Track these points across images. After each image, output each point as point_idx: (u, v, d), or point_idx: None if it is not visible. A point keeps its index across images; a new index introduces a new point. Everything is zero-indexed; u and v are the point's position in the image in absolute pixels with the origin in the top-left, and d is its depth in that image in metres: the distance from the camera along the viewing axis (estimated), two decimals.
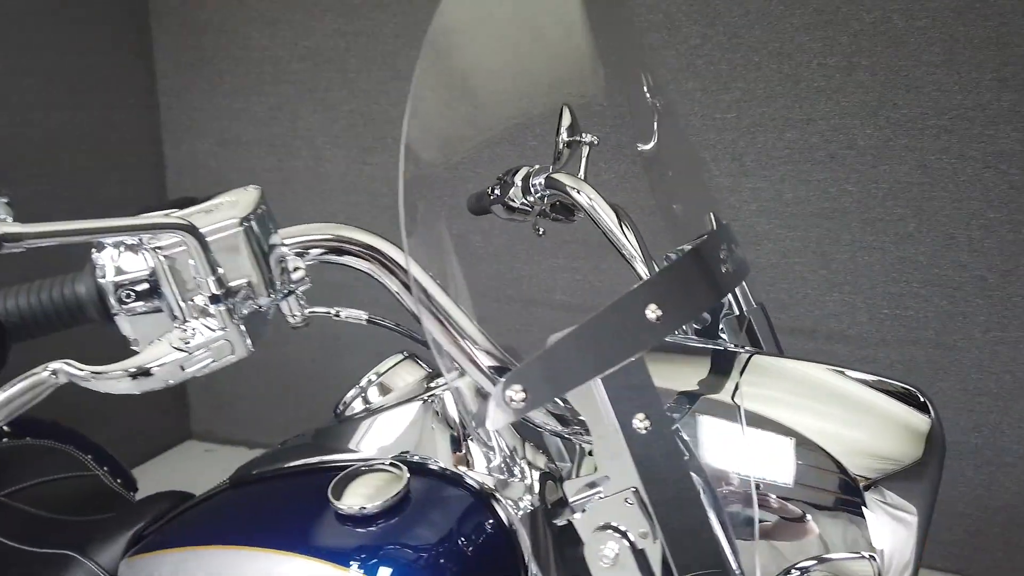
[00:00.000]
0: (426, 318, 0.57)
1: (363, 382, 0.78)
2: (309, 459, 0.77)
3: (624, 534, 0.52)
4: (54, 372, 0.56)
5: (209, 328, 0.58)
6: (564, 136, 0.95)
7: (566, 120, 0.95)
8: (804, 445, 0.56)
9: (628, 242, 0.83)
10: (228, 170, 2.39)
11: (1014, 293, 1.72)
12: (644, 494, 0.52)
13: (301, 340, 2.36)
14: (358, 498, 0.67)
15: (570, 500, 0.55)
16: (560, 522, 0.63)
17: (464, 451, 0.73)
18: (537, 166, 0.92)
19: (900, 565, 0.54)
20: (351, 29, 2.16)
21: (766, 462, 0.56)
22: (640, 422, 0.52)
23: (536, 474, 0.71)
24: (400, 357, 0.80)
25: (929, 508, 0.56)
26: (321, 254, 0.65)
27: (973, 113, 1.69)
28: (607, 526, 0.53)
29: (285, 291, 0.63)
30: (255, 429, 2.56)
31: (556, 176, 0.88)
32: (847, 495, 0.55)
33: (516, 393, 0.50)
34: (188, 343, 0.58)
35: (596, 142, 0.97)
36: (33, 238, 0.51)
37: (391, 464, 0.70)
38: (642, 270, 0.78)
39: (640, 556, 0.52)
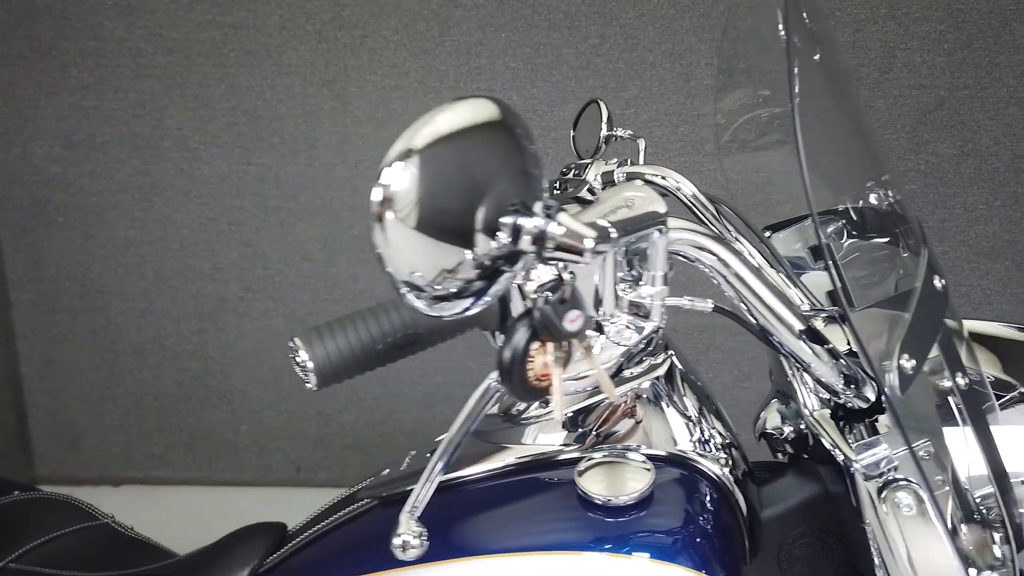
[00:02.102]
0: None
1: None
2: (499, 460, 0.75)
3: (915, 486, 0.59)
4: (498, 380, 0.59)
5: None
6: (604, 130, 1.00)
7: (604, 114, 1.00)
8: None
9: (727, 228, 0.89)
10: (77, 175, 2.13)
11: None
12: (940, 447, 0.58)
13: (163, 364, 2.19)
14: (612, 488, 0.68)
15: (856, 462, 0.61)
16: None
17: (690, 436, 0.75)
18: (616, 160, 0.95)
19: None
20: (228, 21, 2.01)
21: None
22: (945, 381, 0.59)
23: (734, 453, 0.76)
24: None
25: None
26: None
27: None
28: (894, 481, 0.59)
29: None
30: (102, 466, 2.32)
31: (645, 168, 0.92)
32: None
33: (906, 361, 0.55)
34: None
35: (631, 136, 1.02)
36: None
37: (626, 454, 0.71)
38: None
39: (932, 505, 0.59)
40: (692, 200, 0.89)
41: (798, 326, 0.67)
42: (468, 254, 0.52)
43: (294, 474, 2.32)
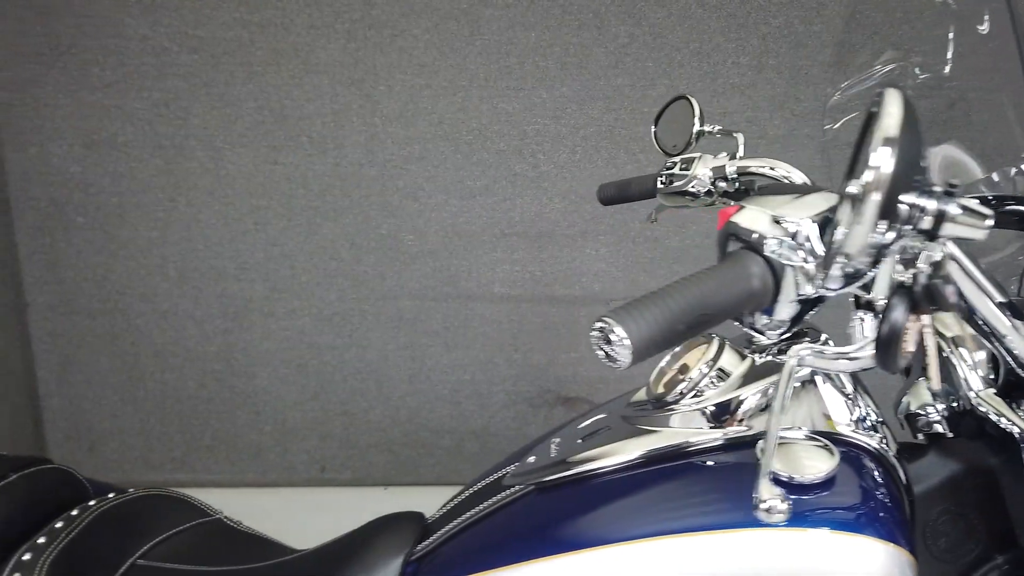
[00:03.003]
0: None
1: (694, 374, 0.79)
2: (653, 444, 0.76)
3: None
4: (799, 359, 0.62)
5: None
6: (697, 126, 1.02)
7: (696, 111, 1.03)
8: None
9: None
10: (98, 175, 2.09)
11: None
12: None
13: (184, 366, 2.17)
14: (791, 466, 0.69)
15: None
16: None
17: (850, 414, 0.77)
18: (724, 154, 0.98)
19: None
20: (256, 19, 1.99)
21: None
22: None
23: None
24: (718, 342, 0.82)
25: None
26: None
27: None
28: None
29: None
30: (121, 470, 2.29)
31: (755, 161, 0.94)
32: None
33: None
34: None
35: (721, 132, 1.05)
36: None
37: (811, 435, 0.73)
38: None
39: None
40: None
41: (998, 297, 0.71)
42: (891, 233, 0.62)
43: (318, 474, 2.31)
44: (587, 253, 2.13)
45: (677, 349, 0.85)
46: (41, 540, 0.90)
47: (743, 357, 0.81)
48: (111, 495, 0.99)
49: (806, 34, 1.97)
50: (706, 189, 0.97)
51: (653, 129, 1.12)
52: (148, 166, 2.09)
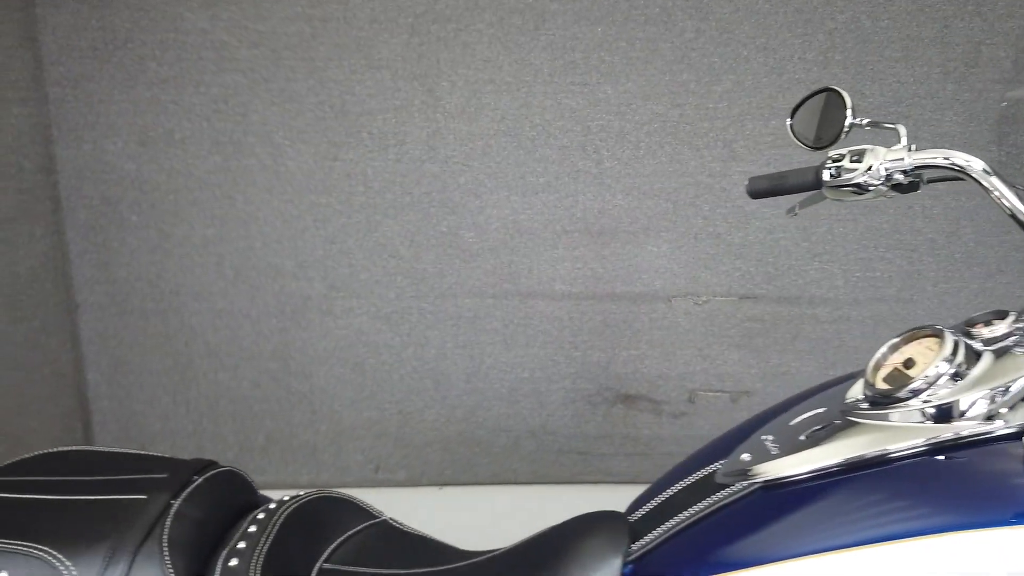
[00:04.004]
0: None
1: (930, 371, 0.77)
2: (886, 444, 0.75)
3: None
4: None
5: None
6: (849, 118, 1.01)
7: (848, 103, 1.02)
8: None
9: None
10: (154, 172, 2.06)
11: (955, 251, 2.08)
12: None
13: (239, 365, 2.14)
14: None
15: None
16: None
17: None
18: (900, 146, 0.96)
19: None
20: (318, 14, 1.97)
21: None
22: None
23: None
24: (951, 338, 0.80)
25: None
26: None
27: (924, 101, 2.00)
28: None
29: None
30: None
31: (931, 152, 0.93)
32: None
33: None
34: None
35: (870, 124, 1.04)
36: None
37: None
38: None
39: None
40: (981, 176, 0.90)
41: None
42: None
43: (372, 474, 2.29)
44: (649, 249, 2.11)
45: (895, 340, 0.83)
46: (241, 545, 0.89)
47: (977, 355, 0.79)
48: (286, 497, 0.98)
49: (872, 30, 1.96)
50: (880, 182, 0.95)
51: (789, 122, 1.11)
52: (205, 163, 2.05)
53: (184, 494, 0.91)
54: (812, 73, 1.99)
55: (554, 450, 2.27)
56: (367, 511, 1.01)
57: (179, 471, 0.95)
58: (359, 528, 0.96)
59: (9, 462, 0.98)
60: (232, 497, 0.98)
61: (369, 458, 2.28)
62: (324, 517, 0.96)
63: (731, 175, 2.05)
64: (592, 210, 2.09)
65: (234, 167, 2.06)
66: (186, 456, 1.03)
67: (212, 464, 0.99)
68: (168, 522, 0.87)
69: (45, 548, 0.82)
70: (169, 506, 0.89)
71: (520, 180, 2.07)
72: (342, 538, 0.94)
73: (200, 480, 0.94)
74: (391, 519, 1.01)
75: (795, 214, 1.13)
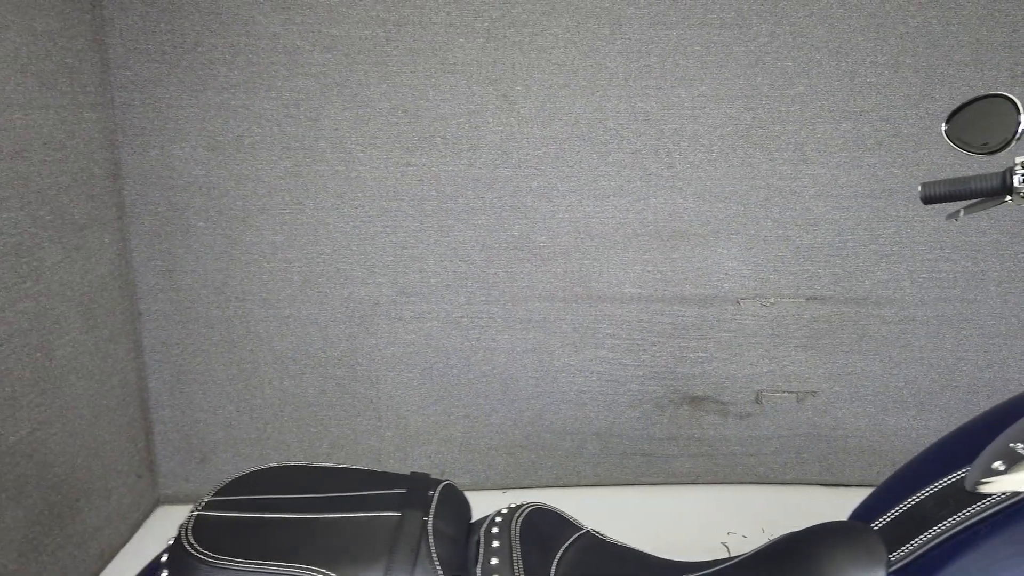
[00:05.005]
0: None
1: None
2: None
3: None
4: None
5: None
6: (1022, 124, 1.03)
7: (1021, 107, 1.03)
8: None
9: None
10: (222, 178, 2.03)
11: (1019, 251, 2.11)
12: None
13: (305, 372, 2.12)
14: None
15: None
16: None
17: None
18: None
19: None
20: (393, 18, 1.95)
21: None
22: None
23: None
24: None
25: None
26: None
27: None
28: None
29: None
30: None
31: None
32: None
33: None
34: None
35: None
36: None
37: None
38: None
39: None
40: None
41: None
42: None
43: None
44: (718, 252, 2.13)
45: None
46: (495, 561, 0.89)
47: None
48: (504, 509, 0.97)
49: (943, 33, 1.99)
50: None
51: (944, 127, 1.12)
52: (275, 168, 2.03)
53: (432, 511, 0.91)
54: (883, 76, 2.01)
55: (618, 453, 2.28)
56: (572, 522, 1.01)
57: (414, 487, 0.95)
58: (572, 540, 0.96)
59: (224, 484, 0.96)
60: (462, 510, 0.98)
61: (435, 463, 2.27)
62: (543, 530, 0.96)
63: (801, 178, 2.07)
64: (663, 213, 2.10)
65: (304, 172, 2.03)
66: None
67: (428, 476, 0.99)
68: (431, 539, 0.87)
69: (322, 570, 0.81)
70: (424, 523, 0.89)
71: (592, 184, 2.07)
72: (561, 550, 0.94)
73: (436, 495, 0.94)
74: (592, 530, 1.01)
75: (956, 219, 1.14)
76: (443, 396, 2.21)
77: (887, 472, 2.24)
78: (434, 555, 0.85)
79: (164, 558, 0.85)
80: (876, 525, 0.89)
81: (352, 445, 2.24)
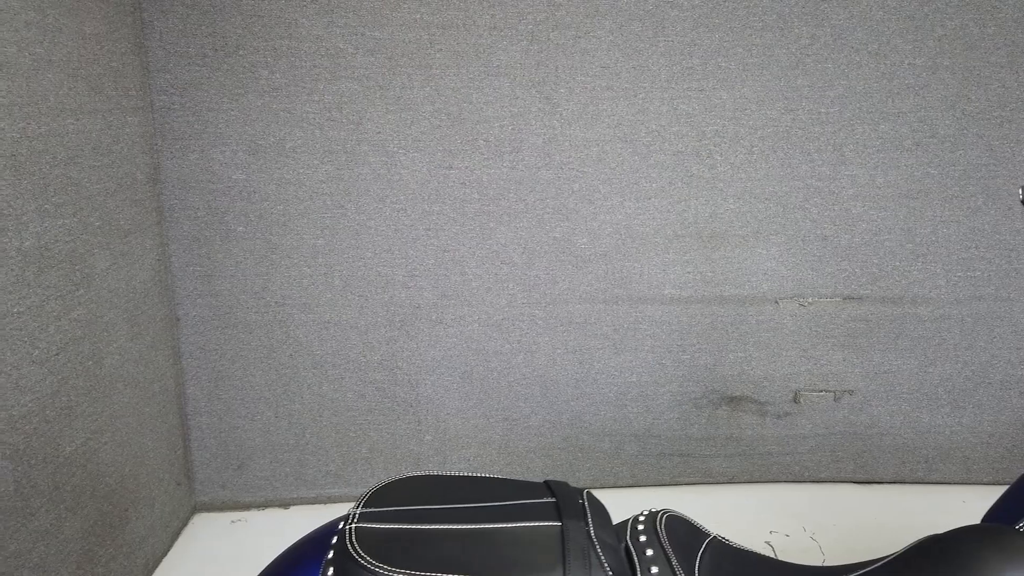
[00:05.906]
0: None
1: None
2: None
3: None
4: None
5: None
6: None
7: None
8: None
9: None
10: (263, 182, 2.01)
11: None
12: None
13: (344, 377, 2.11)
14: None
15: None
16: None
17: None
18: None
19: None
20: (437, 21, 1.94)
21: None
22: None
23: None
24: None
25: None
26: None
27: None
28: None
29: None
30: (271, 487, 2.22)
31: None
32: None
33: None
34: None
35: None
36: None
37: None
38: None
39: None
40: None
41: None
42: None
43: None
44: (758, 253, 2.14)
45: None
46: (655, 570, 0.89)
47: None
48: (642, 516, 0.97)
49: (980, 36, 2.02)
50: None
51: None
52: (317, 172, 2.01)
53: (590, 520, 0.91)
54: (921, 78, 2.04)
55: (655, 453, 2.29)
56: (699, 528, 1.01)
57: (562, 495, 0.95)
58: (704, 545, 0.97)
59: (367, 496, 0.95)
60: (608, 517, 0.97)
61: (473, 466, 2.27)
62: (679, 537, 0.96)
63: (839, 178, 2.09)
64: (703, 214, 2.11)
65: (346, 176, 2.02)
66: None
67: (567, 484, 0.99)
68: (599, 550, 0.86)
69: None
70: (587, 532, 0.88)
71: (634, 185, 2.08)
72: (698, 556, 0.94)
73: (585, 503, 0.94)
74: (718, 535, 1.02)
75: None
76: (483, 399, 2.20)
77: (920, 469, 2.26)
78: (605, 564, 0.85)
79: (330, 571, 0.83)
80: (1020, 527, 0.90)
81: (391, 449, 2.23)
